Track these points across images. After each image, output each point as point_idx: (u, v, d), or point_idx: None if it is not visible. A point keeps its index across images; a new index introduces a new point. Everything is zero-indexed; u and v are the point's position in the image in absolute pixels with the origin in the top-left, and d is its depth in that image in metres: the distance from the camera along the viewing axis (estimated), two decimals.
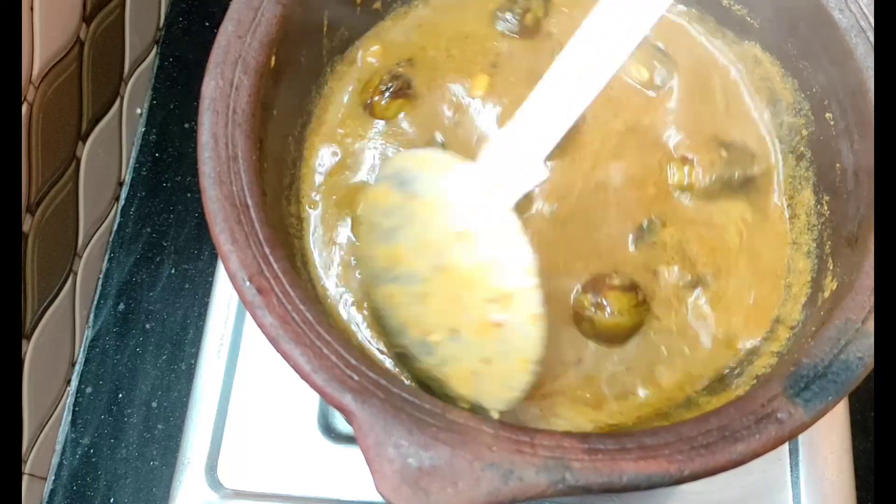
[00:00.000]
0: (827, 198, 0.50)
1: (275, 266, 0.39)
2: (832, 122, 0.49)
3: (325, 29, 0.52)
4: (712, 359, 0.49)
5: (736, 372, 0.48)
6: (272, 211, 0.43)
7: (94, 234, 0.71)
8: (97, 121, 0.70)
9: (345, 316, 0.48)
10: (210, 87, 0.43)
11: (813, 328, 0.43)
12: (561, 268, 0.48)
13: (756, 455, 0.37)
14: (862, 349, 0.39)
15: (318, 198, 0.51)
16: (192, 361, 0.68)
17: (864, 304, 0.40)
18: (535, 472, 0.35)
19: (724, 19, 0.56)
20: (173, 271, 0.72)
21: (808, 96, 0.52)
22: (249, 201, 0.41)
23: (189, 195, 0.75)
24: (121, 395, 0.68)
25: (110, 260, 0.73)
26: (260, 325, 0.38)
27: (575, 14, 0.56)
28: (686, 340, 0.49)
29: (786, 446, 0.56)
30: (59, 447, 0.67)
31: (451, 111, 0.53)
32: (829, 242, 0.49)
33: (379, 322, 0.46)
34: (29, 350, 0.61)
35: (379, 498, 0.34)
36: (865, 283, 0.41)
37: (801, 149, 0.53)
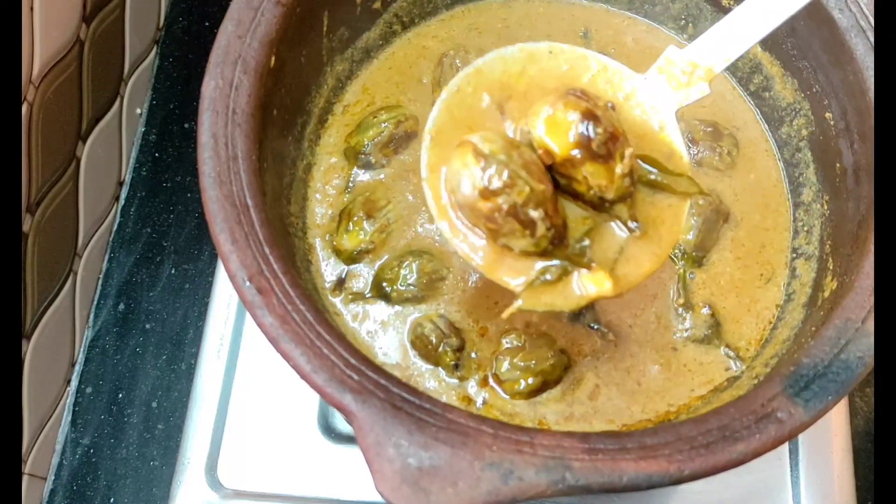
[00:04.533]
0: (827, 198, 0.50)
1: (275, 266, 0.39)
2: (832, 122, 0.49)
3: (325, 29, 0.52)
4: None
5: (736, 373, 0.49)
6: (272, 211, 0.43)
7: (94, 234, 0.71)
8: (97, 121, 0.70)
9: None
10: (210, 87, 0.43)
11: (813, 328, 0.43)
12: None
13: (756, 455, 0.37)
14: (862, 349, 0.39)
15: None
16: (192, 361, 0.68)
17: (864, 304, 0.40)
18: (535, 472, 0.35)
19: None
20: (173, 271, 0.72)
21: (808, 96, 0.52)
22: (249, 201, 0.41)
23: (189, 195, 0.75)
24: (121, 395, 0.68)
25: (110, 260, 0.73)
26: (260, 325, 0.38)
27: None
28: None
29: (786, 446, 0.56)
30: (59, 447, 0.67)
31: None
32: (829, 242, 0.49)
33: None
34: (29, 350, 0.61)
35: (379, 498, 0.34)
36: (865, 283, 0.41)
37: (801, 149, 0.53)
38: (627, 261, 0.41)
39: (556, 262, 0.40)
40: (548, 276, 0.40)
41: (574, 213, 0.41)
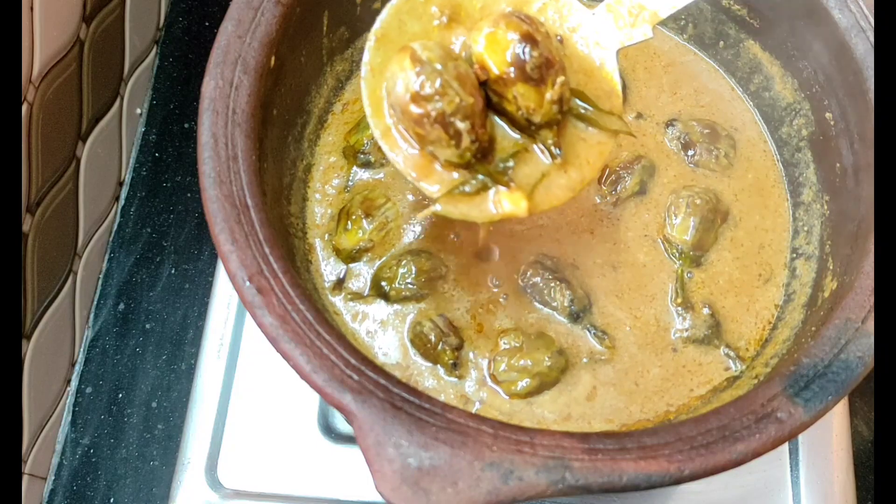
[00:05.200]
0: (827, 198, 0.50)
1: (275, 266, 0.39)
2: (832, 122, 0.49)
3: (325, 29, 0.52)
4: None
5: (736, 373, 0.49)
6: (272, 211, 0.43)
7: (94, 234, 0.71)
8: (97, 121, 0.70)
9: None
10: (210, 87, 0.43)
11: (813, 328, 0.43)
12: None
13: (756, 455, 0.37)
14: (862, 349, 0.39)
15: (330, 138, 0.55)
16: (192, 361, 0.68)
17: (864, 304, 0.40)
18: (535, 472, 0.35)
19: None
20: (173, 271, 0.72)
21: (808, 96, 0.52)
22: (249, 201, 0.41)
23: (189, 195, 0.75)
24: (121, 395, 0.68)
25: (110, 260, 0.73)
26: (260, 325, 0.38)
27: None
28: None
29: (786, 446, 0.56)
30: (59, 447, 0.67)
31: None
32: (829, 242, 0.49)
33: None
34: (29, 350, 0.61)
35: (379, 498, 0.34)
36: (865, 283, 0.41)
37: (801, 149, 0.53)
38: (547, 188, 0.43)
39: (478, 176, 0.42)
40: (466, 188, 0.42)
41: (505, 134, 0.43)
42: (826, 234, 0.49)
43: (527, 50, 0.40)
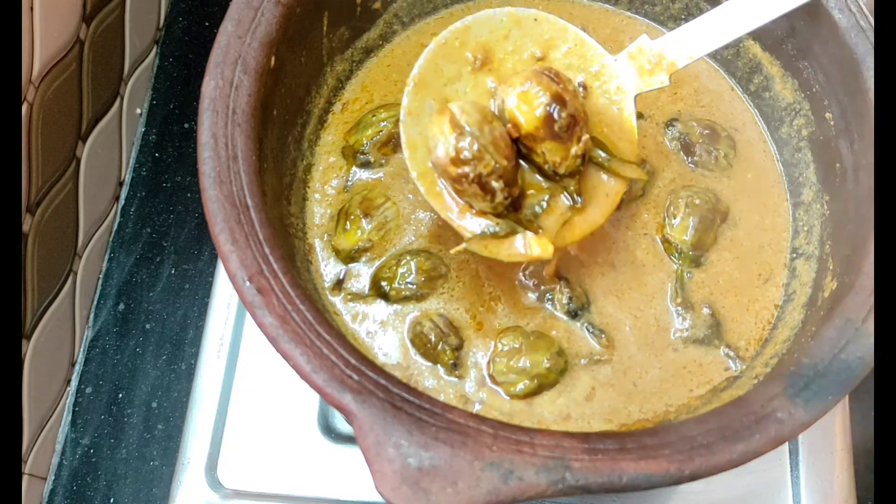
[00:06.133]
0: (827, 198, 0.50)
1: (275, 266, 0.39)
2: (832, 122, 0.49)
3: (325, 29, 0.52)
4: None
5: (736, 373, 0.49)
6: (272, 211, 0.43)
7: (94, 234, 0.71)
8: (97, 121, 0.70)
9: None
10: (210, 87, 0.43)
11: (813, 328, 0.43)
12: None
13: (756, 455, 0.37)
14: (862, 349, 0.39)
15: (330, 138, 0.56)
16: (192, 361, 0.68)
17: (864, 304, 0.40)
18: (535, 472, 0.35)
19: None
20: (173, 271, 0.72)
21: (808, 96, 0.52)
22: (249, 201, 0.41)
23: (189, 195, 0.75)
24: (121, 395, 0.68)
25: (110, 260, 0.73)
26: (260, 325, 0.38)
27: None
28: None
29: (786, 446, 0.56)
30: (59, 447, 0.67)
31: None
32: (829, 242, 0.49)
33: None
34: (29, 350, 0.61)
35: (379, 498, 0.34)
36: (865, 283, 0.41)
37: (801, 149, 0.53)
38: (568, 228, 0.46)
39: (509, 223, 0.45)
40: (498, 231, 0.45)
41: (534, 181, 0.46)
42: (826, 234, 0.49)
43: (556, 110, 0.43)
